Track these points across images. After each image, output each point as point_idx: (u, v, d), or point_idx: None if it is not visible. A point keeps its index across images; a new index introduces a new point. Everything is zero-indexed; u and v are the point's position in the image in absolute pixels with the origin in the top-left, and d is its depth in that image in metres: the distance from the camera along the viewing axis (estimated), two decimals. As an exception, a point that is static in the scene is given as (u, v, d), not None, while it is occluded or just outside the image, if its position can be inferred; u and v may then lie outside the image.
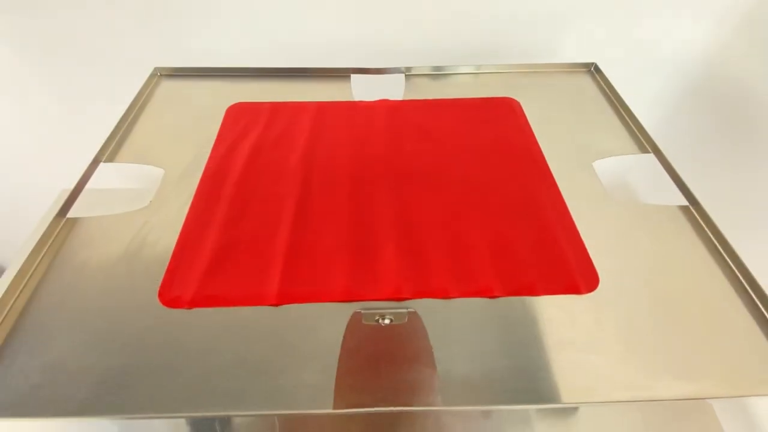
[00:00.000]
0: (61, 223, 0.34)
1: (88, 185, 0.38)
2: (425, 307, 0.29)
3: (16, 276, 0.30)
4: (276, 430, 0.46)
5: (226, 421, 0.48)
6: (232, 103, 0.46)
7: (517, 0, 0.52)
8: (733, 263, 0.31)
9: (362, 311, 0.29)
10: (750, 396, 0.25)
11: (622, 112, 0.44)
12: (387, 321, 0.30)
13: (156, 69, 0.49)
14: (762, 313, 0.29)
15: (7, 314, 0.29)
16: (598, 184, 0.38)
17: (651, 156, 0.40)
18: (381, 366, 0.28)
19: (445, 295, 0.30)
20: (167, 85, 0.49)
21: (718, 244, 0.32)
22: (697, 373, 0.26)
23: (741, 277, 0.30)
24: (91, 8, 0.53)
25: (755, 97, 0.51)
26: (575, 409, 0.48)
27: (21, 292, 0.30)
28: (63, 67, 0.59)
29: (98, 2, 0.52)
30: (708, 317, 0.29)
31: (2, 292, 0.29)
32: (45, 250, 0.32)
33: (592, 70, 0.50)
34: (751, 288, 0.30)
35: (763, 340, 0.27)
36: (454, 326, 0.28)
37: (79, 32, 0.55)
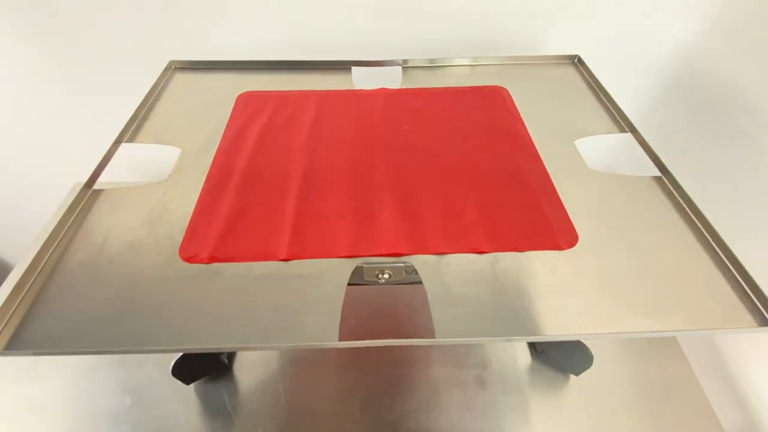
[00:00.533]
0: (88, 194, 0.37)
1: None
2: (421, 262, 0.32)
3: (48, 237, 0.33)
4: (282, 397, 0.49)
5: (233, 392, 0.50)
6: (241, 92, 0.50)
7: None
8: (699, 221, 0.34)
9: (364, 266, 0.32)
10: (712, 329, 0.28)
11: (602, 97, 0.48)
12: (386, 275, 0.33)
13: (171, 62, 0.53)
14: (724, 263, 0.32)
15: (41, 269, 0.32)
16: (579, 158, 0.41)
17: (628, 135, 0.43)
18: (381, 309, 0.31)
19: (439, 251, 0.33)
20: (181, 77, 0.53)
21: (685, 206, 0.36)
22: (666, 313, 0.29)
23: (706, 233, 0.34)
24: (104, 8, 0.57)
25: (731, 91, 0.54)
26: (566, 380, 0.51)
27: (53, 251, 0.33)
28: (78, 65, 0.62)
29: (112, 3, 0.56)
30: (676, 268, 0.32)
31: (36, 252, 0.32)
32: (74, 216, 0.35)
33: (576, 62, 0.54)
34: (715, 242, 0.33)
35: (725, 285, 0.30)
36: (447, 278, 0.31)
37: (92, 30, 0.59)
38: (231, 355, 0.53)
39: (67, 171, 0.67)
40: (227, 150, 0.42)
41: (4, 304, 0.28)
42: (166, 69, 0.53)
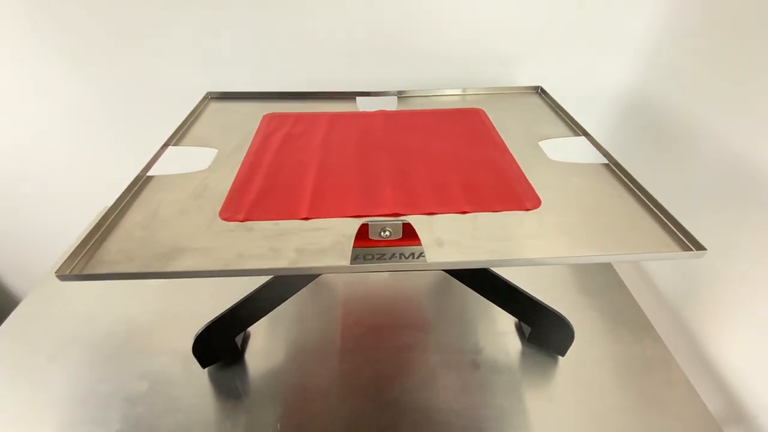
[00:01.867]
0: (143, 178, 0.46)
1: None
2: (415, 220, 0.40)
3: (111, 206, 0.41)
4: (290, 380, 0.53)
5: (244, 377, 0.54)
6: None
7: (488, 46, 0.70)
8: (638, 191, 0.43)
9: (369, 223, 0.39)
10: (643, 253, 0.35)
11: (561, 114, 0.59)
12: (387, 233, 0.40)
13: (207, 93, 0.65)
14: (660, 218, 0.40)
15: (106, 227, 0.39)
16: (542, 153, 0.50)
17: (582, 138, 0.53)
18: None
19: (430, 212, 0.40)
20: (215, 105, 0.64)
21: (628, 182, 0.44)
22: (610, 247, 0.36)
23: (645, 199, 0.42)
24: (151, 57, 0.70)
25: (671, 118, 0.66)
26: (554, 361, 0.55)
27: (115, 215, 0.40)
28: (116, 99, 0.74)
29: (158, 54, 0.70)
30: (620, 222, 0.39)
31: (101, 216, 0.39)
32: (132, 192, 0.43)
33: (539, 92, 0.66)
34: (653, 204, 0.41)
35: (658, 229, 0.38)
36: (436, 230, 0.38)
37: (131, 68, 0.71)
38: (244, 343, 0.57)
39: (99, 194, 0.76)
40: (256, 150, 0.51)
41: (79, 245, 0.35)
42: (204, 98, 0.64)
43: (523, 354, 0.57)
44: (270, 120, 0.59)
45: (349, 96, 0.66)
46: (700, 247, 0.35)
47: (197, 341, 0.50)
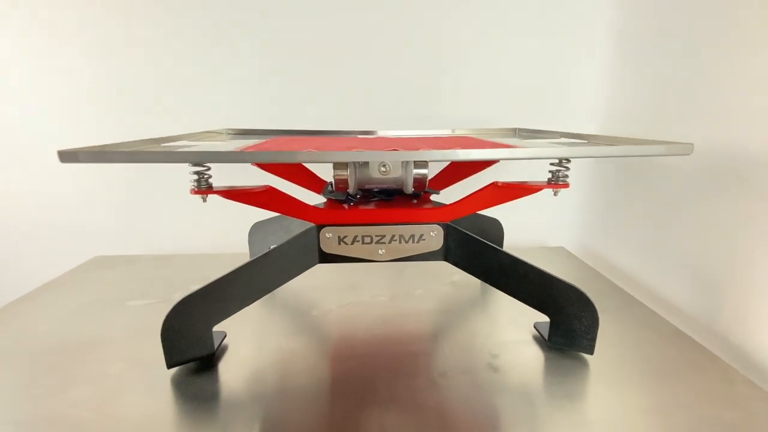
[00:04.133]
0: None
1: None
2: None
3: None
4: (270, 383, 0.44)
5: (215, 382, 0.45)
6: (275, 138, 0.68)
7: (478, 108, 0.83)
8: (618, 143, 0.46)
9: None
10: (638, 146, 0.36)
11: (540, 135, 0.67)
12: (386, 168, 0.41)
13: (225, 129, 0.73)
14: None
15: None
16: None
17: (561, 140, 0.59)
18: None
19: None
20: (230, 140, 0.71)
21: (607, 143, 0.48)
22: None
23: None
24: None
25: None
26: (583, 364, 0.48)
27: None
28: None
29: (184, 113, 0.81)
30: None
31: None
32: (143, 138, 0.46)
33: (516, 132, 0.76)
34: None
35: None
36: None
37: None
38: (220, 353, 0.49)
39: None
40: (261, 142, 0.56)
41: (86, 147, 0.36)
42: (218, 132, 0.72)
43: (548, 358, 0.48)
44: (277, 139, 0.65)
45: (352, 135, 0.74)
46: (686, 144, 0.36)
47: (168, 320, 0.43)
